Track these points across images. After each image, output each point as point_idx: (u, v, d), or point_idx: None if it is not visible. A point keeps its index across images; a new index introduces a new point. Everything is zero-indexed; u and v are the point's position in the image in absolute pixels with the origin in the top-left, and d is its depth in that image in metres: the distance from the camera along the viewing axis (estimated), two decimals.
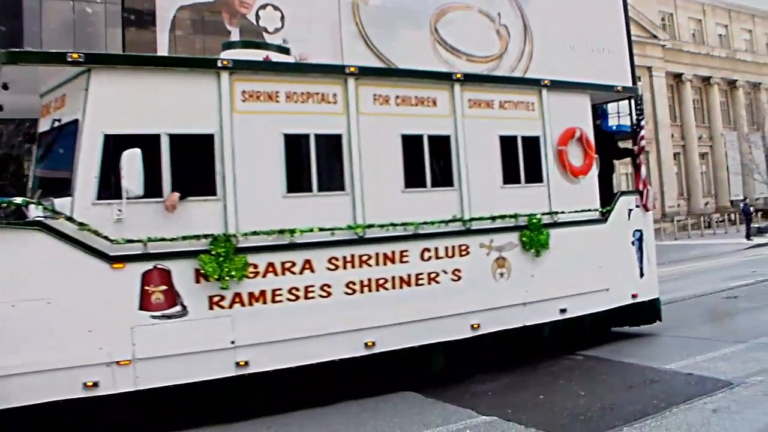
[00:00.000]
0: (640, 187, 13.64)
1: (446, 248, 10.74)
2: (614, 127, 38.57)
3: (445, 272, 10.69)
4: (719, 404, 8.36)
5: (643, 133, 14.21)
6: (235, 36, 29.41)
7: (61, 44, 23.75)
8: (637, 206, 13.33)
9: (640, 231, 13.32)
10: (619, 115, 37.83)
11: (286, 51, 11.36)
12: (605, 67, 41.09)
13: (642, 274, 13.22)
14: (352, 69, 10.34)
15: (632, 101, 14.64)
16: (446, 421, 8.49)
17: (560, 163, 12.19)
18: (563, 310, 11.90)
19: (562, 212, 12.07)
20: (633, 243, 13.12)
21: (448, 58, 35.80)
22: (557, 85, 12.69)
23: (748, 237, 38.98)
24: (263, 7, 29.93)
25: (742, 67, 64.61)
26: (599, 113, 37.35)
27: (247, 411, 9.13)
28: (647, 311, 13.45)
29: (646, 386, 9.51)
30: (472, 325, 10.83)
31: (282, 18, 30.58)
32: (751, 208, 42.63)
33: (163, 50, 23.63)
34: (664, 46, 55.89)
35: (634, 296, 12.99)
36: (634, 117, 14.42)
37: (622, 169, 54.68)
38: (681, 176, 59.05)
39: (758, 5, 67.97)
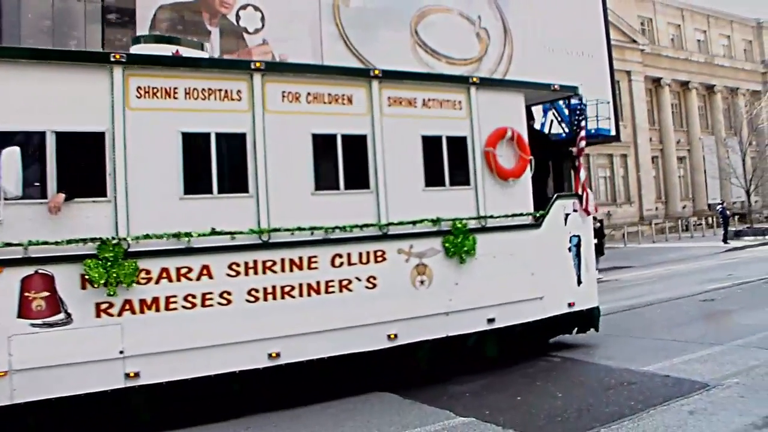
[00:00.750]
0: (579, 190, 13.11)
1: (360, 254, 10.14)
2: (593, 131, 38.76)
3: (358, 279, 10.11)
4: (696, 406, 8.42)
5: (583, 134, 13.79)
6: (215, 36, 29.39)
7: (40, 40, 23.58)
8: (575, 210, 12.79)
9: (578, 236, 12.74)
10: (598, 118, 38.05)
11: (200, 47, 11.10)
12: (585, 70, 41.37)
13: (579, 282, 12.63)
14: (258, 64, 9.89)
15: (569, 101, 14.13)
16: (424, 422, 8.50)
17: (489, 164, 11.58)
18: (491, 320, 11.25)
19: (491, 216, 11.49)
20: (570, 249, 12.55)
21: (428, 60, 35.91)
22: (487, 83, 12.26)
23: (725, 240, 39.22)
24: (243, 7, 29.91)
25: (720, 72, 65.07)
26: (559, 115, 37.32)
27: (224, 411, 9.07)
28: (585, 320, 12.96)
29: (624, 388, 9.55)
30: (389, 335, 10.23)
31: (262, 18, 30.57)
32: (728, 212, 42.91)
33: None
34: (643, 51, 56.16)
35: (570, 305, 12.39)
36: (574, 117, 14.12)
37: (601, 172, 55.02)
38: (659, 180, 59.34)
39: (736, 11, 68.66)
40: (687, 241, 43.07)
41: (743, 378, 9.58)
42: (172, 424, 8.61)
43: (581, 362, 11.50)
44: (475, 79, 11.80)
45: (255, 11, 30.43)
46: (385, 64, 33.45)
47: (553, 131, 33.63)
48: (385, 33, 34.45)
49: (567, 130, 35.73)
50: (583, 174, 13.32)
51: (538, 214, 12.18)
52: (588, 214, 12.95)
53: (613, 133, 41.81)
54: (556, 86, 13.55)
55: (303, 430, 8.54)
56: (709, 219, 54.17)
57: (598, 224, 27.35)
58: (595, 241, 25.54)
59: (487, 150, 11.55)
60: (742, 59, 68.82)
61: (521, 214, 11.91)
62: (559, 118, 34.82)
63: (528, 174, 12.14)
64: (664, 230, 49.11)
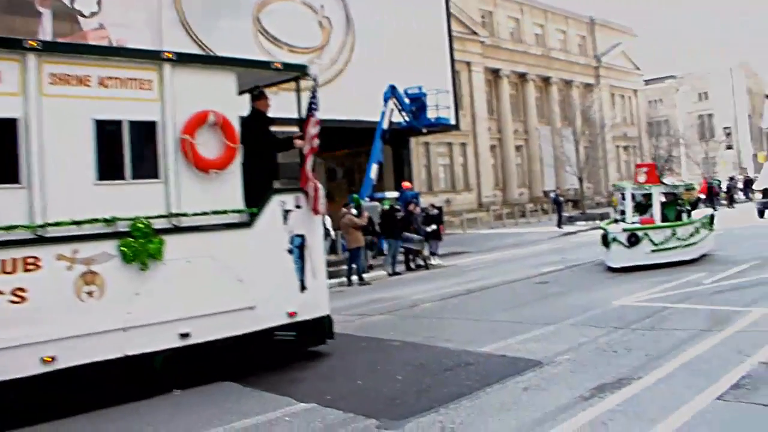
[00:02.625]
0: (305, 184, 11.43)
1: (3, 262, 8.33)
2: (433, 120, 39.43)
3: (0, 293, 8.31)
4: (530, 382, 8.72)
5: (314, 119, 11.61)
6: (47, 18, 28.25)
7: None
8: (299, 207, 11.14)
9: (301, 237, 11.08)
10: (438, 107, 38.72)
11: None
12: (426, 60, 42.04)
13: (304, 288, 11.04)
14: None
15: (299, 83, 11.95)
16: (265, 410, 8.42)
17: (186, 154, 9.84)
18: (185, 335, 9.62)
19: (185, 215, 9.81)
20: (291, 251, 10.93)
21: (269, 48, 35.67)
22: (186, 60, 10.43)
23: (559, 225, 40.64)
24: None
25: (556, 65, 67.49)
26: (418, 105, 37.59)
27: (56, 409, 8.74)
28: (311, 331, 11.29)
29: (462, 369, 9.75)
30: (43, 359, 8.51)
31: (99, 2, 29.60)
32: (562, 199, 44.47)
33: None
34: (483, 43, 57.49)
35: (291, 314, 10.81)
36: (310, 101, 11.73)
37: (440, 160, 56.02)
38: (497, 168, 60.95)
39: (571, 8, 71.30)
40: (523, 227, 44.41)
41: (573, 354, 10.02)
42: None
43: (421, 345, 11.64)
44: (169, 54, 9.99)
45: None
46: (227, 51, 33.00)
47: (394, 120, 34.13)
48: (227, 20, 34.00)
49: (407, 119, 36.23)
50: (309, 164, 11.54)
51: (250, 212, 10.61)
52: (317, 212, 11.34)
53: (453, 122, 42.76)
54: (278, 64, 11.78)
55: (139, 423, 8.32)
56: (545, 205, 56.13)
57: (437, 211, 27.88)
58: (434, 227, 26.21)
59: (184, 137, 9.83)
60: (576, 53, 71.65)
61: (227, 212, 10.31)
62: (400, 107, 35.33)
63: (237, 165, 10.53)
64: (502, 216, 50.50)
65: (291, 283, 10.94)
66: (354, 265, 21.68)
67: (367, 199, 31.10)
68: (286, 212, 10.99)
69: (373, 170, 32.39)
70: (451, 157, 55.37)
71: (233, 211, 10.40)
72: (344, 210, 22.85)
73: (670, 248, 19.31)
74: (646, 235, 19.23)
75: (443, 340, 11.91)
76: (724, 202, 52.58)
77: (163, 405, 9.06)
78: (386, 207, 25.35)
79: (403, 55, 40.72)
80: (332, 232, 26.91)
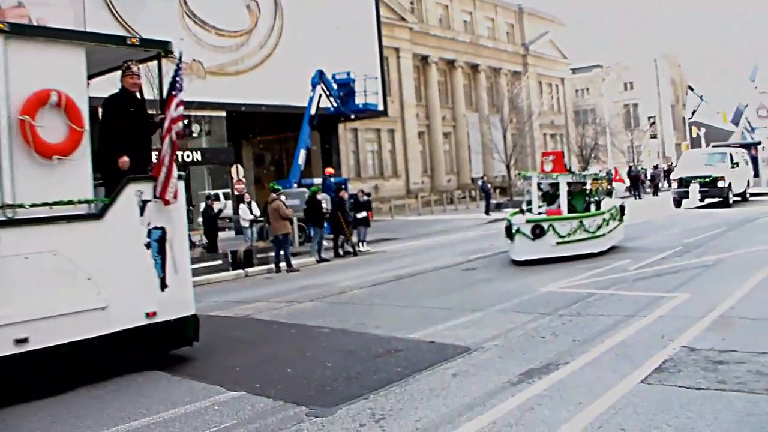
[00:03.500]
0: (158, 171, 10.12)
1: None
2: (361, 106, 39.45)
3: None
4: (459, 368, 8.77)
5: (177, 100, 10.25)
6: None
7: None
8: (158, 197, 10.01)
9: (161, 229, 10.03)
10: (366, 93, 38.67)
11: None
12: (355, 46, 41.97)
13: (164, 286, 10.02)
14: None
15: (160, 61, 10.74)
16: (194, 399, 8.30)
17: (25, 137, 8.68)
18: (22, 341, 8.49)
19: (21, 206, 8.64)
20: (149, 245, 9.88)
21: (197, 31, 35.25)
22: (25, 32, 9.13)
23: (487, 212, 41.05)
24: None
25: (485, 53, 68.06)
26: (346, 91, 37.46)
27: None
28: (174, 332, 10.26)
29: (391, 355, 9.77)
30: None
31: None
32: (490, 186, 44.86)
33: None
34: (412, 29, 57.67)
35: (150, 315, 9.81)
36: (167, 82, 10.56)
37: (369, 146, 56.02)
38: (425, 154, 61.32)
39: None
40: (452, 214, 44.75)
41: (501, 340, 10.09)
42: None
43: (351, 332, 11.63)
44: (2, 26, 8.68)
45: None
46: (153, 33, 32.51)
47: (322, 105, 34.01)
48: (153, 1, 33.48)
49: (335, 104, 36.13)
50: (166, 148, 10.13)
51: (99, 202, 9.59)
52: (165, 202, 10.04)
53: (381, 108, 42.86)
54: (134, 40, 10.62)
55: (66, 415, 8.13)
56: (473, 192, 56.59)
57: (366, 197, 27.87)
58: (364, 213, 26.20)
59: (22, 119, 8.66)
60: (504, 41, 72.44)
61: (72, 202, 9.16)
62: (328, 92, 35.21)
63: (85, 150, 9.41)
64: (430, 203, 50.82)
65: (149, 281, 9.89)
66: (282, 252, 21.56)
67: (295, 185, 30.98)
68: (144, 203, 9.85)
69: (301, 156, 32.27)
70: (380, 144, 55.50)
71: (80, 202, 9.29)
72: (273, 196, 22.70)
73: (576, 240, 18.49)
74: (552, 226, 18.31)
75: (372, 326, 11.91)
76: (649, 190, 53.68)
77: (91, 395, 8.85)
78: (310, 194, 25.20)
79: (332, 41, 40.63)
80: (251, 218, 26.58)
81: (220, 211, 26.83)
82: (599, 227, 19.00)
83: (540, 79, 77.93)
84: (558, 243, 18.26)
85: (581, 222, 18.66)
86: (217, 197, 35.13)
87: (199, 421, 7.54)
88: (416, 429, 6.78)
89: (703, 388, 7.30)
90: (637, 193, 50.55)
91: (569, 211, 19.39)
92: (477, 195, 53.90)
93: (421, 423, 6.91)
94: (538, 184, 20.75)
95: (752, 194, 38.67)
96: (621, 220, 21.19)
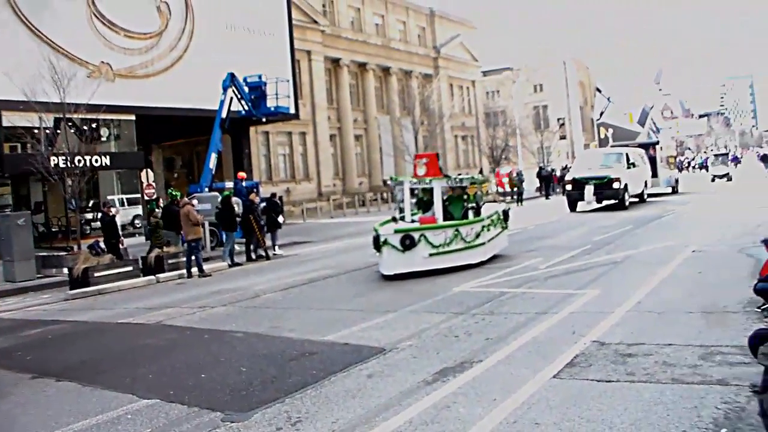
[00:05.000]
0: None
1: None
2: (273, 109, 39.23)
3: None
4: (374, 369, 8.79)
5: None
6: None
7: None
8: None
9: None
10: (278, 96, 38.51)
11: None
12: (266, 48, 41.76)
13: None
14: None
15: None
16: (105, 408, 8.14)
17: None
18: None
19: None
20: None
21: (105, 32, 34.61)
22: None
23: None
24: None
25: (396, 56, 68.39)
26: (258, 94, 37.37)
27: None
28: None
29: (306, 358, 9.75)
30: None
31: None
32: None
33: None
34: (324, 32, 57.59)
35: None
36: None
37: (280, 149, 55.84)
38: (337, 157, 61.30)
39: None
40: (363, 216, 44.75)
41: (415, 341, 10.15)
42: None
43: (264, 336, 11.55)
44: None
45: None
46: (59, 34, 31.92)
47: (233, 109, 33.73)
48: (59, 2, 32.76)
49: (246, 107, 35.89)
50: None
51: None
52: None
53: (292, 111, 42.71)
54: None
55: None
56: (384, 194, 56.71)
57: (277, 200, 27.71)
58: (275, 217, 26.02)
59: None
60: (416, 44, 72.88)
61: None
62: (239, 95, 34.99)
63: None
64: (342, 206, 50.85)
65: None
66: (193, 257, 21.28)
67: (206, 189, 30.64)
68: None
69: (212, 160, 31.93)
70: (291, 147, 55.31)
71: None
72: (185, 200, 22.42)
73: (452, 251, 16.97)
74: (424, 236, 16.63)
75: (286, 330, 11.85)
76: (560, 190, 54.66)
77: None
78: (222, 198, 24.94)
79: (243, 43, 40.38)
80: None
81: (114, 216, 26.15)
82: (478, 235, 17.70)
83: (451, 82, 78.63)
84: (431, 254, 16.72)
85: (457, 231, 17.20)
86: (113, 203, 34.36)
87: (111, 431, 7.39)
88: (333, 431, 6.77)
89: (613, 381, 7.49)
90: (547, 194, 51.46)
91: (446, 219, 18.12)
92: (389, 197, 54.08)
93: (338, 424, 6.91)
94: (412, 190, 19.48)
95: (650, 195, 38.31)
96: (504, 226, 19.91)
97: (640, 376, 7.57)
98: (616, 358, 8.35)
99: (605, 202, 33.64)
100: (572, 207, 34.36)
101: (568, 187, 34.80)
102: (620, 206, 32.60)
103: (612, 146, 45.34)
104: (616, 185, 32.62)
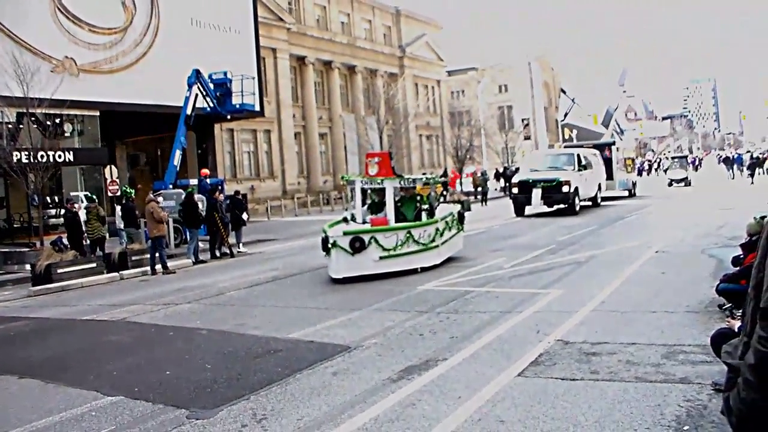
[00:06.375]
0: None
1: None
2: (238, 106, 39.07)
3: None
4: (339, 367, 8.80)
5: None
6: None
7: None
8: None
9: None
10: (243, 93, 38.39)
11: None
12: (231, 45, 41.58)
13: None
14: None
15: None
16: (69, 406, 8.07)
17: None
18: None
19: None
20: None
21: (69, 26, 34.27)
22: None
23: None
24: None
25: (362, 54, 68.39)
26: (223, 91, 37.17)
27: None
28: None
29: (271, 355, 9.75)
30: None
31: None
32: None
33: None
34: (289, 30, 57.42)
35: None
36: None
37: (245, 147, 55.62)
38: (302, 155, 61.19)
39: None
40: (328, 214, 44.58)
41: (380, 339, 10.18)
42: None
43: (230, 333, 11.52)
44: None
45: None
46: (21, 28, 31.54)
47: (198, 105, 33.58)
48: None
49: (212, 104, 35.74)
50: None
51: None
52: None
53: (257, 108, 42.57)
54: None
55: None
56: (349, 193, 56.58)
57: (241, 198, 27.63)
58: (240, 214, 25.94)
59: None
60: (381, 43, 72.93)
61: None
62: (204, 92, 34.82)
63: None
64: (307, 204, 50.63)
65: None
66: (157, 254, 21.16)
67: (171, 186, 30.48)
68: None
69: (177, 157, 31.75)
70: (256, 144, 55.13)
71: None
72: (150, 197, 22.29)
73: (404, 254, 16.47)
74: (374, 239, 16.15)
75: (251, 327, 11.83)
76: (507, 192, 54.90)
77: None
78: (186, 195, 24.82)
79: (209, 40, 40.18)
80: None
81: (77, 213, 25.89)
82: (432, 238, 17.18)
83: (416, 81, 78.75)
84: (382, 257, 16.21)
85: (409, 233, 16.68)
86: (78, 199, 34.03)
87: (75, 428, 7.34)
88: (298, 428, 6.79)
89: (577, 379, 7.58)
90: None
91: (398, 220, 17.47)
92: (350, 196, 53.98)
93: (303, 422, 6.92)
94: (363, 190, 19.06)
95: (604, 198, 36.15)
96: (460, 228, 19.48)
97: (603, 375, 7.67)
98: (580, 356, 8.45)
99: (555, 207, 31.63)
100: (519, 212, 31.87)
101: (515, 190, 32.27)
102: (570, 211, 30.53)
103: (566, 146, 44.65)
104: (565, 188, 30.38)
